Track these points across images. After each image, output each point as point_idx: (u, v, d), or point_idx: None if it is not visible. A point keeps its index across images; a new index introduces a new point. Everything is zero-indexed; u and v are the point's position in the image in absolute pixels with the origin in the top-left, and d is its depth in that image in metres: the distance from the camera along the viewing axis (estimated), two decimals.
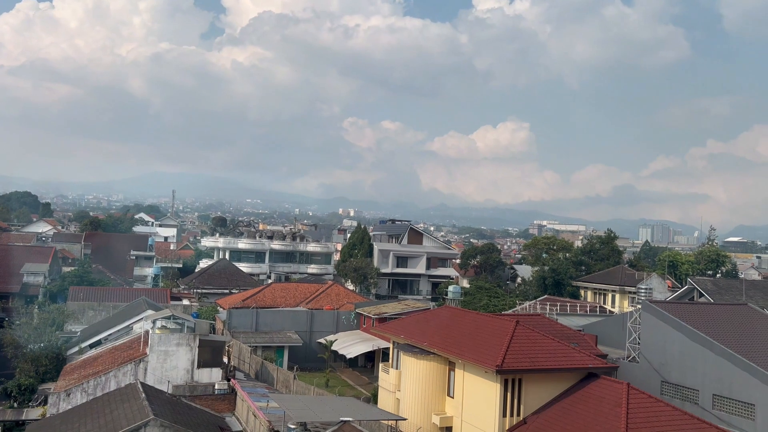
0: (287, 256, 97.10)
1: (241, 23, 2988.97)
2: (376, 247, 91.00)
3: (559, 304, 57.91)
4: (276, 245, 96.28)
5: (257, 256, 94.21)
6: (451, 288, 74.64)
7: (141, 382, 28.85)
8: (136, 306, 46.69)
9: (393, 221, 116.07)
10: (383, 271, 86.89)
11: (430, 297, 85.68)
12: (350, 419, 24.96)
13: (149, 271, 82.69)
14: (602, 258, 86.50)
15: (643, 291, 40.03)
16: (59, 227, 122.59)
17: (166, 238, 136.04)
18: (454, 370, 30.59)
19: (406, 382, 32.34)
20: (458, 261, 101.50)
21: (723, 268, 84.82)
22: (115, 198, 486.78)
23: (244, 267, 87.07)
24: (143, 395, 25.74)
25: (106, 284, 66.99)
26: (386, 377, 35.92)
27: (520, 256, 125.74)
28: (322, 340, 52.01)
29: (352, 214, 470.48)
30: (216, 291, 73.53)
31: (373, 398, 38.08)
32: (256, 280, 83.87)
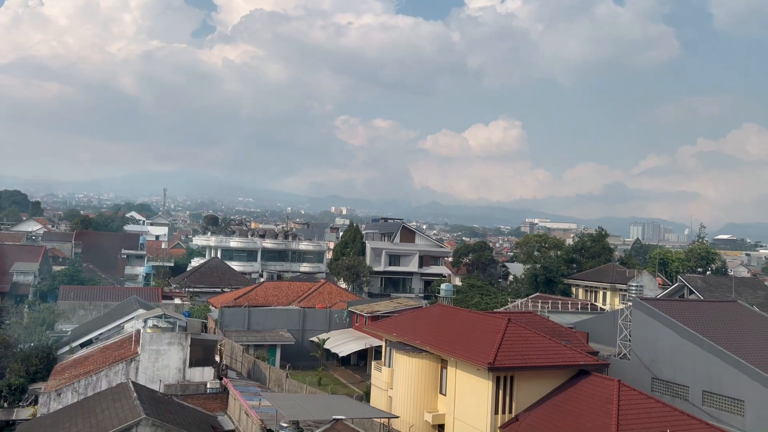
0: (279, 255, 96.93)
1: (232, 21, 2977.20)
2: (368, 245, 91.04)
3: (550, 301, 58.17)
4: (268, 244, 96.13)
5: (249, 255, 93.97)
6: (443, 286, 74.65)
7: (132, 382, 28.72)
8: (128, 305, 46.52)
9: (385, 219, 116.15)
10: (375, 269, 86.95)
11: (422, 295, 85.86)
12: (343, 417, 24.95)
13: (140, 270, 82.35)
14: (593, 256, 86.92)
15: (633, 288, 40.33)
16: (49, 226, 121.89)
17: (157, 237, 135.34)
18: (446, 368, 30.67)
19: (398, 380, 32.39)
20: (450, 259, 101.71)
21: (713, 265, 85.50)
22: (105, 197, 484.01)
23: (235, 265, 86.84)
24: (135, 394, 25.63)
25: (96, 283, 66.77)
26: (379, 375, 35.97)
27: (512, 254, 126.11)
28: (314, 339, 52.00)
29: (344, 212, 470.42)
30: (208, 290, 73.27)
31: (366, 396, 38.14)
32: (248, 278, 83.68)
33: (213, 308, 57.48)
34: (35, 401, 32.98)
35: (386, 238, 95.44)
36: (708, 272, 79.21)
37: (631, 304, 38.87)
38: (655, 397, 27.99)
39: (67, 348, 41.44)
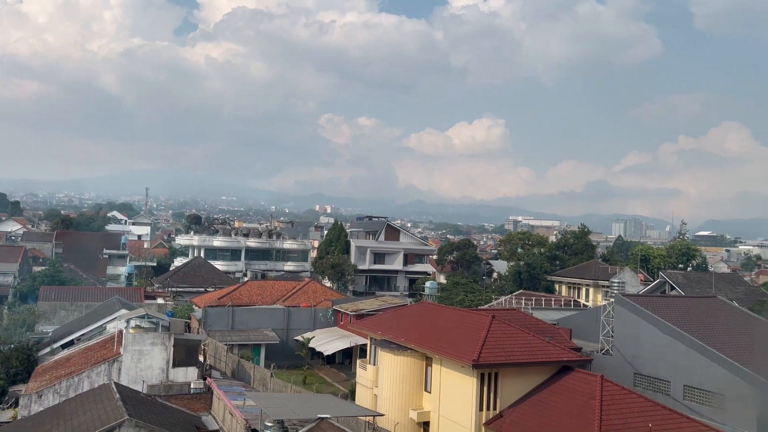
0: (263, 254, 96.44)
1: (214, 19, 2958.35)
2: (353, 243, 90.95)
3: (534, 298, 58.56)
4: (252, 243, 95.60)
5: (233, 254, 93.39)
6: (428, 284, 74.90)
7: (115, 383, 28.49)
8: (110, 305, 46.12)
9: (370, 218, 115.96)
10: (360, 267, 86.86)
11: (407, 293, 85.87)
12: (328, 416, 24.94)
13: (123, 270, 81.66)
14: (576, 252, 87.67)
15: (616, 285, 40.66)
16: (29, 226, 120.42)
17: (139, 237, 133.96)
18: (431, 366, 30.76)
19: (383, 378, 32.44)
20: (435, 257, 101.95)
21: (693, 261, 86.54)
22: (87, 196, 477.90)
23: (219, 265, 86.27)
24: (117, 395, 25.42)
25: (78, 284, 66.05)
26: (364, 373, 35.97)
27: (495, 251, 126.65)
28: (299, 338, 51.88)
29: (328, 210, 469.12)
30: (191, 289, 72.75)
31: (351, 395, 38.13)
32: (231, 278, 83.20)
33: (196, 308, 57.11)
34: (16, 403, 32.58)
35: (371, 237, 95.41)
36: (689, 268, 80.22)
37: (613, 300, 39.25)
38: (637, 392, 28.32)
39: (48, 349, 40.99)
